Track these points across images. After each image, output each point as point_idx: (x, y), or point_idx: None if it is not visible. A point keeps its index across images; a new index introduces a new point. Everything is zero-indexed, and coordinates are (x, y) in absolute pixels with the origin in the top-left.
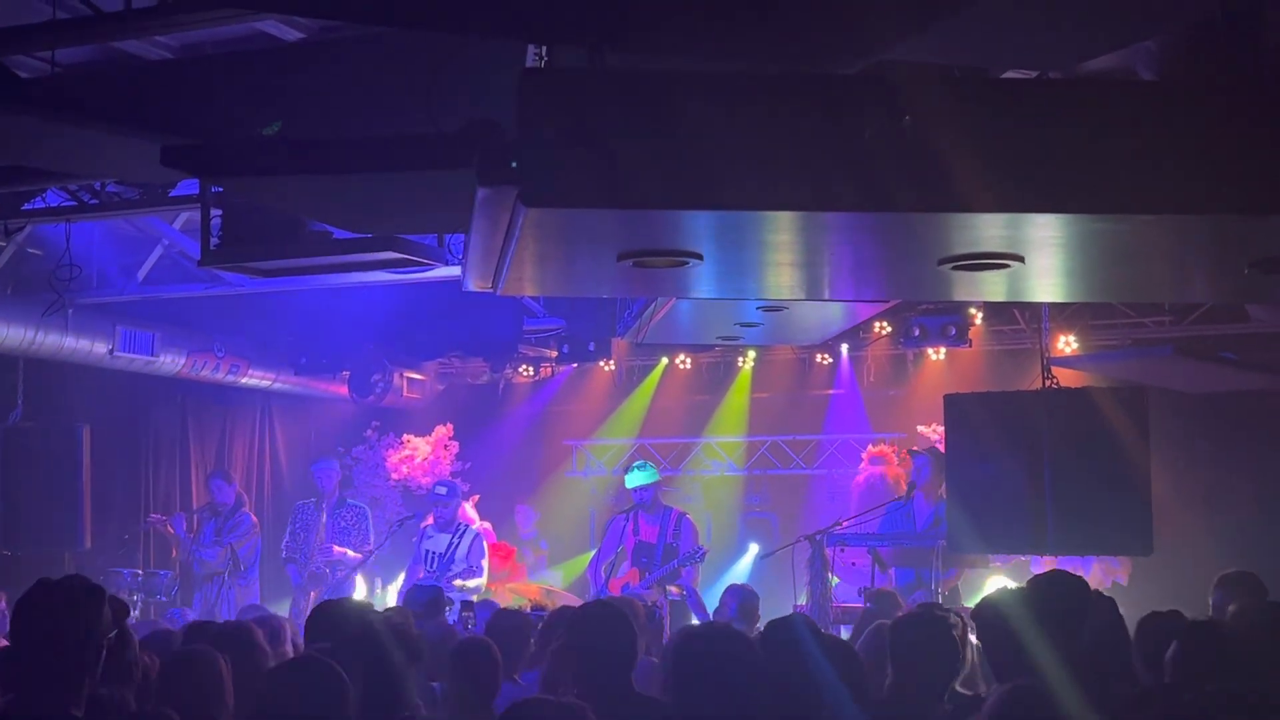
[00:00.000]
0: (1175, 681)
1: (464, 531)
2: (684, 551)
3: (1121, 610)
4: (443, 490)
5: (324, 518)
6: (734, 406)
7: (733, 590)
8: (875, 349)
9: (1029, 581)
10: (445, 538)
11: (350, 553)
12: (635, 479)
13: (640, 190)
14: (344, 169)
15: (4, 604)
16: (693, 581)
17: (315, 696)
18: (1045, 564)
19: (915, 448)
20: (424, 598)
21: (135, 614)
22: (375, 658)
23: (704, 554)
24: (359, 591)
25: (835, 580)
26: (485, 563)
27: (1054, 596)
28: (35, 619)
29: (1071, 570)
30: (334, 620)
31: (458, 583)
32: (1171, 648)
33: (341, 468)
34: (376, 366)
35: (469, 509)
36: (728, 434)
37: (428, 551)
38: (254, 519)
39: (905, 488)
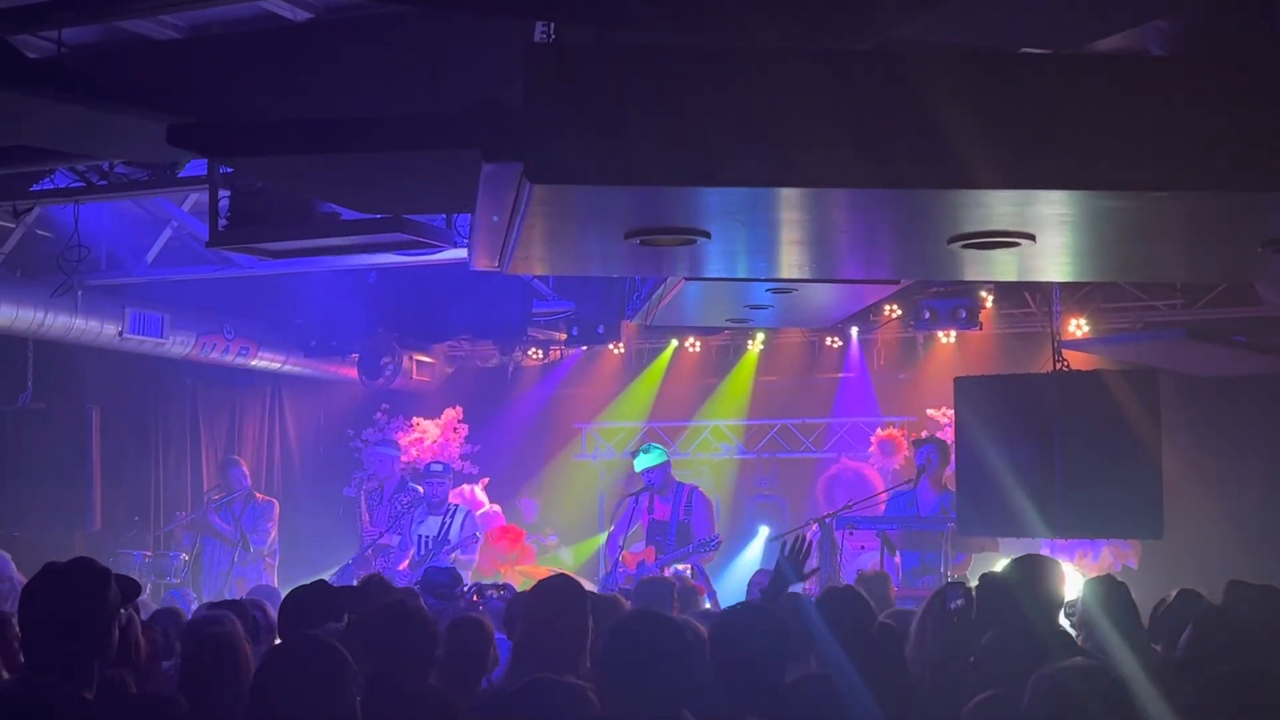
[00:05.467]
0: (1189, 657)
1: (454, 511)
2: (699, 535)
3: (1133, 593)
4: (438, 468)
5: (364, 504)
6: (736, 388)
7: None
8: (885, 332)
9: (1011, 562)
10: (436, 520)
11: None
12: (643, 462)
13: (648, 167)
14: (352, 148)
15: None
16: (702, 561)
17: (313, 677)
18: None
19: (919, 435)
20: (443, 579)
21: (145, 595)
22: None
23: (718, 542)
24: None
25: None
26: (480, 533)
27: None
28: (43, 603)
29: (1081, 553)
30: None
31: (454, 556)
32: (1186, 631)
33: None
34: (386, 349)
35: (478, 492)
36: (730, 417)
37: (420, 536)
38: (276, 505)
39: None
